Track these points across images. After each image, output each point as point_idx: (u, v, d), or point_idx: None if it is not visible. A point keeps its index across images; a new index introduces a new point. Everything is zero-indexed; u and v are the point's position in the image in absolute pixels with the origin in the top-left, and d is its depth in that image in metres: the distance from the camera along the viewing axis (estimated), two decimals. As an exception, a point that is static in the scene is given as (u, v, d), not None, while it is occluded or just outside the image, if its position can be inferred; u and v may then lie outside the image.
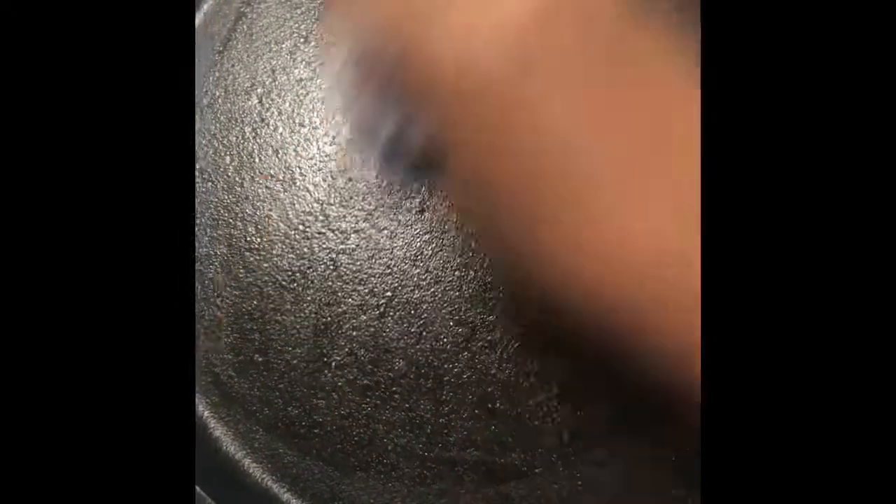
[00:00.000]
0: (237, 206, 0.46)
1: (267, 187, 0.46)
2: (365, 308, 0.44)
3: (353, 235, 0.45)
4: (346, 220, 0.45)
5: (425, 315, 0.44)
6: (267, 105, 0.47)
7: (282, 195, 0.46)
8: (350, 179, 0.46)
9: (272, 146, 0.47)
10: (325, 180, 0.46)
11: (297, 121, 0.47)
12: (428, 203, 0.45)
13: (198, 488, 0.41)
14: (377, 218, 0.45)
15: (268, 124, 0.47)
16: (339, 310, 0.45)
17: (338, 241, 0.45)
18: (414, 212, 0.45)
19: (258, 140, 0.47)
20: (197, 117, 0.48)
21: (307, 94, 0.47)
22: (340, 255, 0.45)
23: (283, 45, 0.48)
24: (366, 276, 0.45)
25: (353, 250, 0.45)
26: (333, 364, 0.44)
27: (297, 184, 0.46)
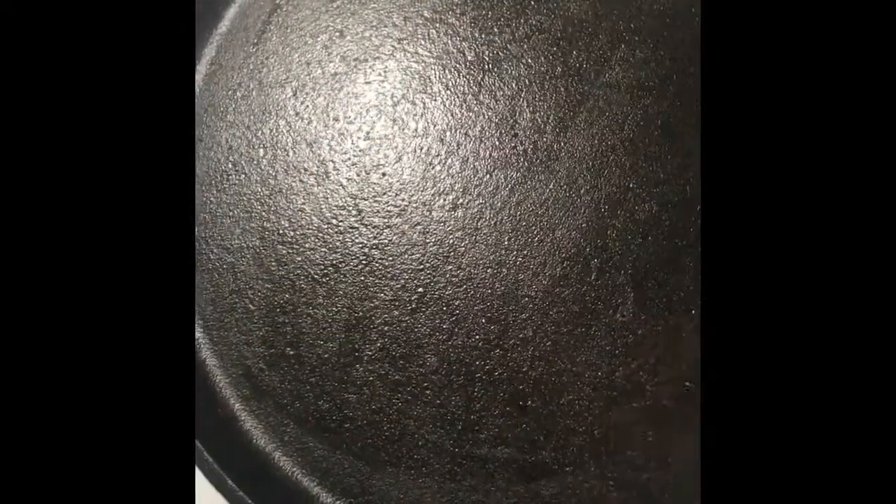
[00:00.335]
0: (270, 199, 0.46)
1: (301, 181, 0.46)
2: (397, 303, 0.44)
3: (385, 230, 0.45)
4: (380, 214, 0.45)
5: (457, 311, 0.44)
6: (301, 98, 0.47)
7: (315, 189, 0.46)
8: (384, 175, 0.46)
9: (306, 140, 0.47)
10: (358, 175, 0.46)
11: (331, 115, 0.47)
12: (461, 200, 0.45)
13: (229, 480, 0.41)
14: (410, 213, 0.45)
15: (302, 118, 0.47)
16: (372, 304, 0.45)
17: (371, 235, 0.45)
18: (447, 208, 0.45)
19: (292, 133, 0.47)
20: (230, 109, 0.48)
21: (342, 88, 0.47)
22: (373, 250, 0.45)
23: (319, 39, 0.48)
24: (398, 271, 0.45)
25: (386, 245, 0.45)
26: (365, 359, 0.44)
27: (331, 178, 0.46)
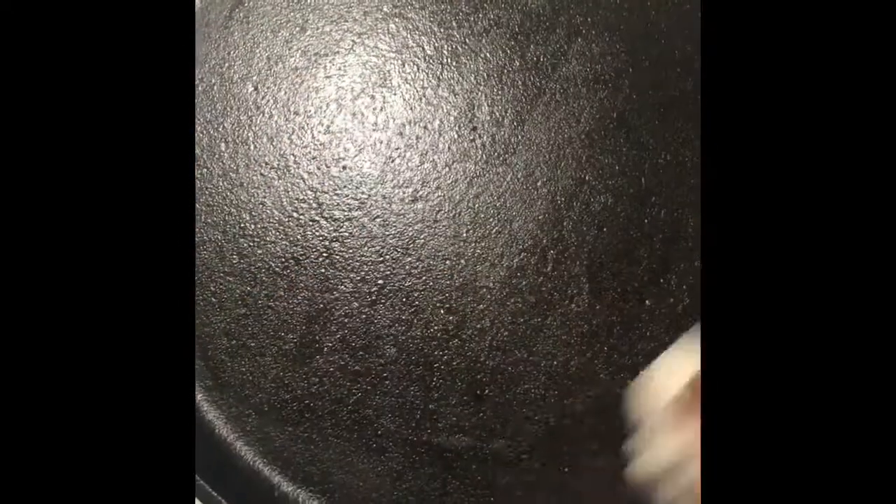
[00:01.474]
0: (232, 192, 0.47)
1: (262, 175, 0.47)
2: (357, 295, 0.45)
3: (346, 223, 0.46)
4: (340, 208, 0.46)
5: (416, 303, 0.45)
6: (262, 93, 0.48)
7: (276, 183, 0.47)
8: (344, 168, 0.46)
9: (267, 134, 0.47)
10: (319, 168, 0.46)
11: (291, 109, 0.47)
12: (421, 193, 0.46)
13: (190, 470, 0.42)
14: (370, 206, 0.46)
15: (263, 112, 0.47)
16: (332, 296, 0.45)
17: (331, 228, 0.46)
18: (407, 201, 0.46)
19: (253, 128, 0.47)
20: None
21: (302, 82, 0.48)
22: (333, 243, 0.46)
23: (280, 34, 0.48)
24: (358, 263, 0.45)
25: (346, 238, 0.46)
26: (325, 350, 0.45)
27: (292, 171, 0.47)
